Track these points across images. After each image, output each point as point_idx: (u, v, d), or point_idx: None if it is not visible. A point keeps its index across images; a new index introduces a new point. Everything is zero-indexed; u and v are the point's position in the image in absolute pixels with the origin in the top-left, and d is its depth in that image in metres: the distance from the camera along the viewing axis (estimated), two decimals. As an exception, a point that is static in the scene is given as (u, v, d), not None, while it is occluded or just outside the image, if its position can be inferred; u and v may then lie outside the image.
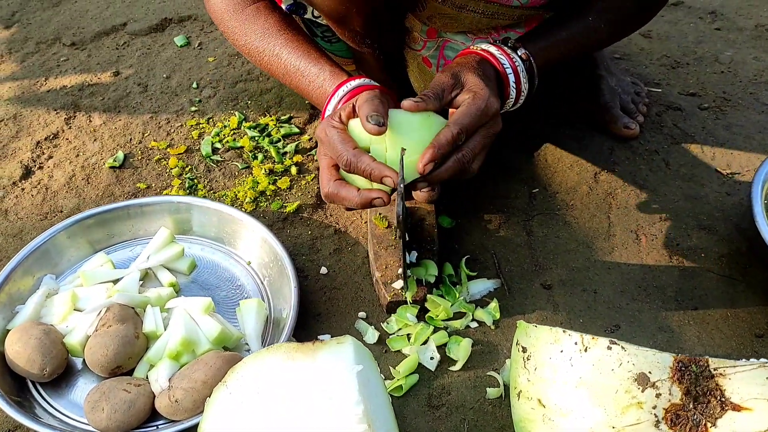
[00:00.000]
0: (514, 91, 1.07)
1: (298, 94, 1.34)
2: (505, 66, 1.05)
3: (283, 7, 1.16)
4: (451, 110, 1.02)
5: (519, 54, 1.07)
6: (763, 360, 0.78)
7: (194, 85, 1.62)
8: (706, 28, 1.84)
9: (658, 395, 0.78)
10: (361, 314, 1.16)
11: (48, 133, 1.49)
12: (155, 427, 1.00)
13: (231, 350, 1.08)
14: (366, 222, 1.29)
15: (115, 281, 1.15)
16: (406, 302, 1.14)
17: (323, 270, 1.23)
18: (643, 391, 0.78)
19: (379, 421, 0.89)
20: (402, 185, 0.93)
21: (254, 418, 0.87)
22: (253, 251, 1.22)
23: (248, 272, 1.22)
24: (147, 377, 1.03)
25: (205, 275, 1.21)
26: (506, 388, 1.04)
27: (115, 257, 1.22)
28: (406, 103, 0.94)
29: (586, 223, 1.31)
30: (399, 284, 1.15)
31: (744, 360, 0.79)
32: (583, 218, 1.31)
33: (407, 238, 1.15)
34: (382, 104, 0.94)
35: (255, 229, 1.21)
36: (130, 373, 1.04)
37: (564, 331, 0.83)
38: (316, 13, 1.17)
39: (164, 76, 1.65)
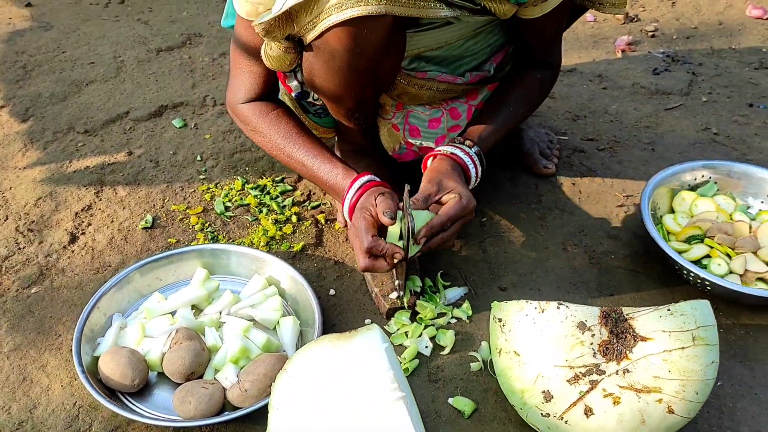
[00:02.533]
0: (475, 178, 1.51)
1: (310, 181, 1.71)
2: (469, 165, 1.49)
3: (293, 94, 1.53)
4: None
5: (474, 151, 1.50)
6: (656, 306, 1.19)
7: (198, 158, 1.96)
8: (595, 88, 2.34)
9: (593, 335, 1.17)
10: (367, 321, 1.50)
11: (83, 205, 1.78)
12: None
13: (274, 355, 1.40)
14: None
15: (171, 313, 1.45)
16: (402, 308, 1.50)
17: (332, 292, 1.57)
18: (583, 334, 1.17)
19: (403, 384, 1.24)
20: (407, 252, 1.35)
21: (310, 391, 1.19)
22: (278, 283, 1.55)
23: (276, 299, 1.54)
24: (215, 378, 1.34)
25: (240, 304, 1.53)
26: (484, 362, 1.40)
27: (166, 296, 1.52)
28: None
29: (526, 240, 1.71)
30: (394, 295, 1.50)
31: (644, 308, 1.19)
32: (523, 237, 1.72)
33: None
34: (393, 202, 1.35)
35: (278, 265, 1.54)
36: (201, 377, 1.35)
37: (527, 302, 1.21)
38: (314, 97, 1.55)
39: (171, 152, 1.98)
